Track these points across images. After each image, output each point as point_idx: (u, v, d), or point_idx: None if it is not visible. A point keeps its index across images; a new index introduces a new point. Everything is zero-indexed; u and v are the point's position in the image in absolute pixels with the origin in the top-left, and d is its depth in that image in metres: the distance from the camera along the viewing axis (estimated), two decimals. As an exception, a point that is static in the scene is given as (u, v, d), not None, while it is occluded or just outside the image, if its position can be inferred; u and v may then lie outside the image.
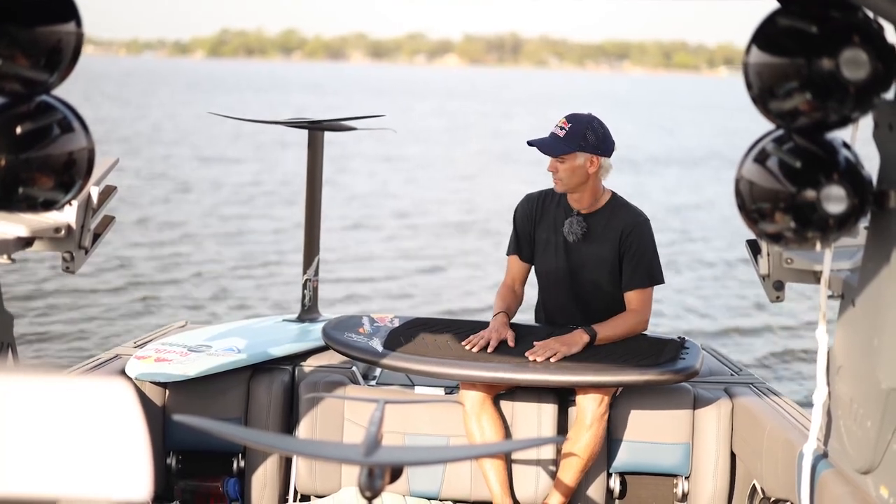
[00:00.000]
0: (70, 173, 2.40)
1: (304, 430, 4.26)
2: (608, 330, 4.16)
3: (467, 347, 4.09)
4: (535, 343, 4.07)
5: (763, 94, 2.33)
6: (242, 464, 4.37)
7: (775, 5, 2.33)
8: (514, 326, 4.27)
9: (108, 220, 3.65)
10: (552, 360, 3.98)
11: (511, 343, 4.12)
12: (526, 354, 4.01)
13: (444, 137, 37.54)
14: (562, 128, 4.18)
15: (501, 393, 4.22)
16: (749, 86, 2.36)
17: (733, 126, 46.08)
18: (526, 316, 4.57)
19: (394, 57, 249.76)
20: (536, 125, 42.10)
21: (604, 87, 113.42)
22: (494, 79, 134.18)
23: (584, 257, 4.29)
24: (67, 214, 3.25)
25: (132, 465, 1.56)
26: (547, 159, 4.24)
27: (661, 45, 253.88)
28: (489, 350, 4.07)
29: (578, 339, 4.08)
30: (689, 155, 33.20)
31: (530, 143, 4.24)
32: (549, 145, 4.18)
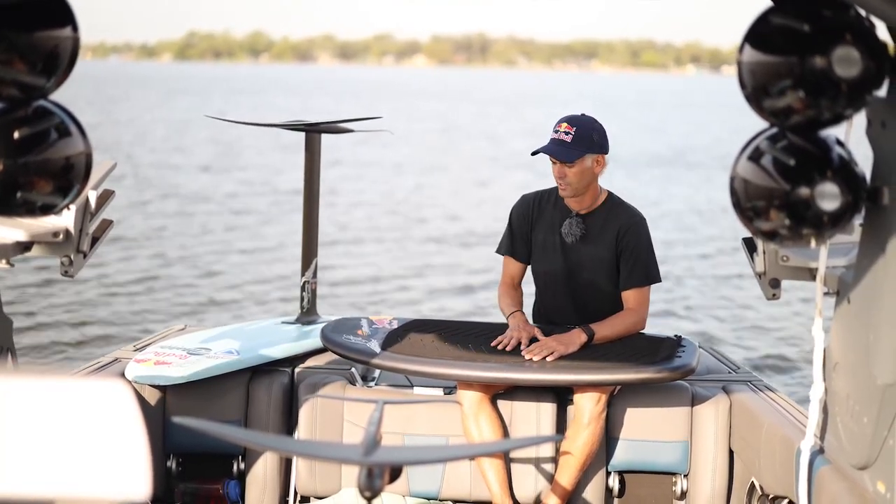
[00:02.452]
0: (68, 177, 2.41)
1: (303, 431, 4.27)
2: (606, 329, 4.17)
3: (499, 347, 4.09)
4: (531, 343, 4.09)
5: (756, 92, 2.35)
6: (242, 466, 4.38)
7: (767, 4, 2.34)
8: None
9: (107, 224, 3.66)
10: (549, 358, 3.99)
11: (541, 338, 4.11)
12: (523, 353, 4.02)
13: (434, 139, 37.36)
14: (567, 132, 4.14)
15: (500, 392, 4.23)
16: (742, 84, 2.37)
17: (720, 124, 45.91)
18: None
19: (362, 58, 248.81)
20: (528, 128, 42.03)
21: (575, 86, 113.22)
22: (465, 79, 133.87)
23: (581, 257, 4.30)
24: (66, 219, 3.26)
25: (132, 467, 1.57)
26: (546, 164, 4.23)
27: (628, 44, 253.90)
28: (522, 348, 4.07)
29: (576, 338, 4.09)
30: (681, 155, 33.18)
31: (537, 152, 4.17)
32: (562, 152, 4.12)
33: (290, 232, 16.53)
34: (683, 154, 33.21)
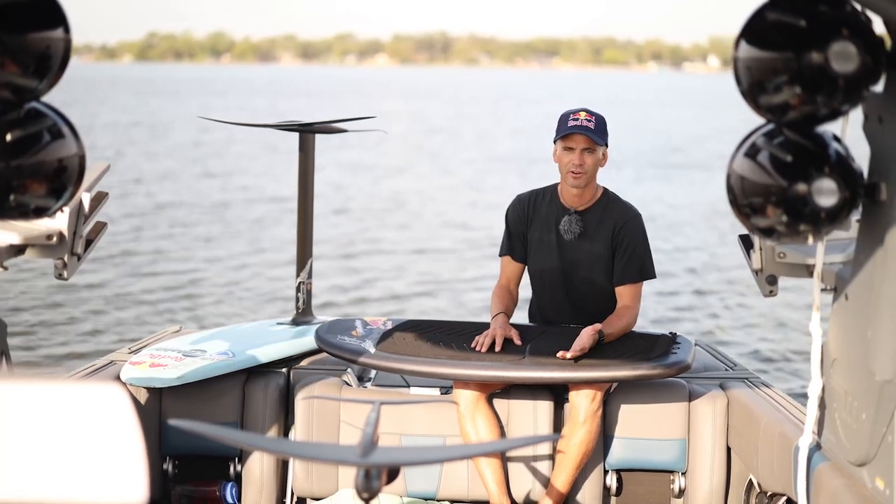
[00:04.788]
0: (61, 180, 2.40)
1: (300, 432, 4.26)
2: (609, 329, 4.16)
3: (476, 349, 4.09)
4: (527, 346, 4.08)
5: (753, 88, 2.34)
6: (239, 468, 4.37)
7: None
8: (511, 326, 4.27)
9: (101, 227, 3.64)
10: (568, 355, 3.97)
11: (517, 341, 4.12)
12: (558, 356, 3.98)
13: (417, 141, 37.14)
14: (588, 120, 4.21)
15: (496, 391, 4.22)
16: (738, 81, 2.36)
17: (696, 122, 45.54)
18: (520, 315, 4.57)
19: (324, 58, 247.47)
20: (504, 127, 41.84)
21: (540, 83, 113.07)
22: (429, 78, 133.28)
23: (578, 255, 4.30)
24: (59, 221, 3.24)
25: (128, 470, 1.56)
26: (549, 158, 4.25)
27: (590, 42, 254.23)
28: (497, 349, 4.07)
29: (595, 338, 4.08)
30: (662, 154, 33.12)
31: (570, 133, 4.18)
32: (595, 135, 4.19)
33: (285, 233, 16.51)
34: (665, 153, 33.08)
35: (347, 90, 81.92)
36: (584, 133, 4.17)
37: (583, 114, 4.23)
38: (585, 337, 4.01)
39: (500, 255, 4.51)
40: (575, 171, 4.22)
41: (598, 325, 4.08)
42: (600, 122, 4.24)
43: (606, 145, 4.27)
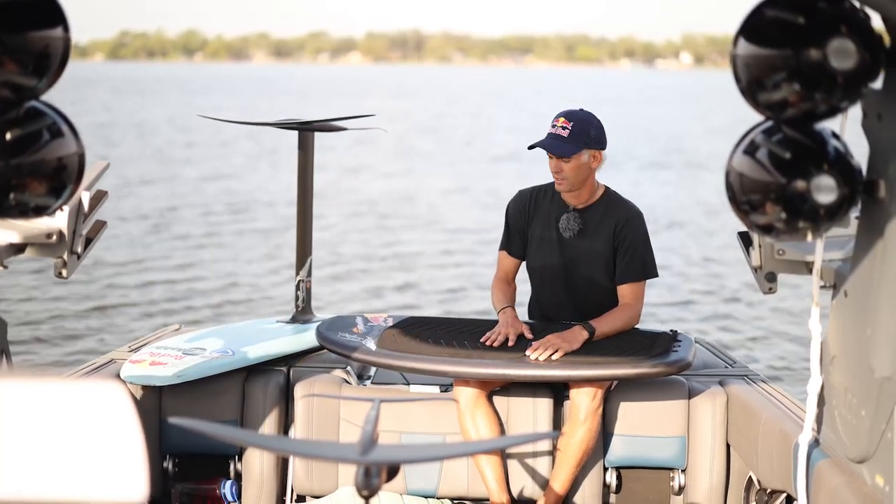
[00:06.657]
0: (61, 178, 2.40)
1: (300, 430, 4.26)
2: (605, 325, 4.16)
3: (487, 343, 4.08)
4: (532, 342, 4.06)
5: (751, 85, 2.34)
6: (239, 466, 4.37)
7: None
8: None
9: (100, 225, 3.64)
10: (554, 357, 3.96)
11: (528, 335, 4.11)
12: (526, 353, 3.99)
13: (409, 139, 37.04)
14: (564, 127, 4.15)
15: (496, 389, 4.22)
16: (737, 78, 2.36)
17: (679, 120, 45.23)
18: (519, 312, 4.57)
19: (297, 56, 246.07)
20: (498, 124, 41.68)
21: (515, 81, 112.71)
22: (405, 76, 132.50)
23: (578, 253, 4.30)
24: (59, 220, 3.25)
25: (129, 468, 1.57)
26: (544, 159, 4.24)
27: (563, 39, 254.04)
28: (510, 344, 4.07)
29: (578, 335, 4.07)
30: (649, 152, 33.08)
31: (534, 146, 4.19)
32: (558, 147, 4.13)
33: (283, 233, 16.51)
34: (655, 151, 32.98)
35: (324, 88, 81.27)
36: (547, 148, 4.14)
37: (560, 120, 4.17)
38: (571, 335, 4.03)
39: (500, 250, 4.51)
40: (556, 179, 4.21)
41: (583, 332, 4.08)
42: (577, 128, 4.15)
43: (594, 147, 4.19)
